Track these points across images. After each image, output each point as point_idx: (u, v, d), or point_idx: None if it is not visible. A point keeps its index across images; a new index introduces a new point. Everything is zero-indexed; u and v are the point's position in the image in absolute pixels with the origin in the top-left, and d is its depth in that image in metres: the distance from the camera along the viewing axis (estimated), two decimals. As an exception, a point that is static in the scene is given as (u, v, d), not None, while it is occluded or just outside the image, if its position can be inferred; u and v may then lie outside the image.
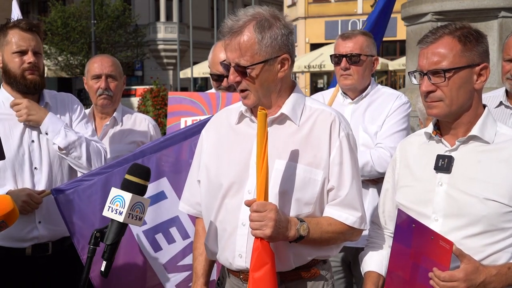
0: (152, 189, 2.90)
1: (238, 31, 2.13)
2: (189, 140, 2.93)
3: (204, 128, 2.45)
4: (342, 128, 2.22)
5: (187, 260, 2.90)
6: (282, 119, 2.24)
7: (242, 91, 2.20)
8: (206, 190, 2.33)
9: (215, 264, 2.51)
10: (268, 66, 2.15)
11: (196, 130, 2.93)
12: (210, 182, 2.30)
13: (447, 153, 2.13)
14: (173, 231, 2.93)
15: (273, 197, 2.14)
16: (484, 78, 2.08)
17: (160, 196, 2.93)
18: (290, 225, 2.10)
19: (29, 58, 2.92)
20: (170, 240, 2.93)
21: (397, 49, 32.15)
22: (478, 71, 2.07)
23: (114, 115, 3.72)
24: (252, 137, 2.16)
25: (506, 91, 3.35)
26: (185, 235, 2.93)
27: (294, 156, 2.18)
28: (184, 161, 2.93)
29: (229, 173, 2.24)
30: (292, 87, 2.29)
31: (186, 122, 3.29)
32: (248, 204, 2.08)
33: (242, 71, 2.15)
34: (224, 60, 2.22)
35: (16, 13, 4.83)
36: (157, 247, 2.93)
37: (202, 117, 3.13)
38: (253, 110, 2.27)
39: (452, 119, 2.13)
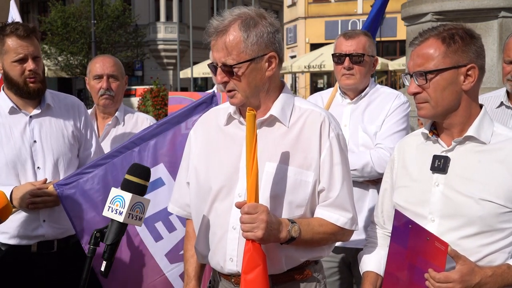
0: None
1: (223, 31, 2.12)
2: (184, 123, 2.93)
3: (192, 128, 2.43)
4: (332, 129, 2.20)
5: None
6: (271, 121, 2.22)
7: (229, 91, 2.18)
8: (196, 193, 2.31)
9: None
10: (254, 65, 2.13)
11: (188, 113, 2.93)
12: (199, 185, 2.28)
13: (443, 154, 2.13)
14: (173, 218, 2.89)
15: (265, 200, 2.12)
16: (472, 79, 2.06)
17: (157, 183, 2.90)
18: (282, 226, 2.08)
19: (29, 66, 2.93)
20: (171, 228, 2.91)
21: (397, 49, 32.19)
22: (464, 72, 2.05)
23: (116, 115, 3.74)
24: (242, 139, 2.13)
25: (507, 91, 3.35)
26: (185, 223, 2.91)
27: (284, 158, 2.16)
28: (178, 145, 2.90)
29: (218, 176, 2.22)
30: (280, 87, 2.27)
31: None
32: (239, 206, 2.06)
33: (229, 70, 2.13)
34: (212, 62, 2.20)
35: (14, 14, 4.83)
36: (158, 237, 2.91)
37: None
38: (242, 112, 2.25)
39: (441, 120, 2.13)
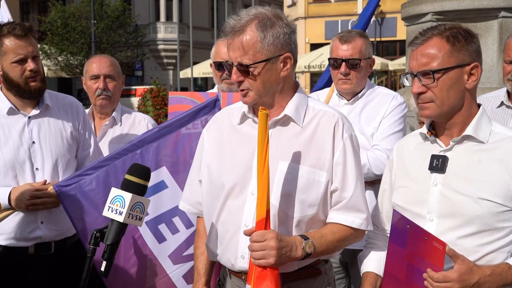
0: (151, 179, 2.90)
1: (240, 30, 2.13)
2: (185, 127, 2.93)
3: (205, 127, 2.45)
4: (346, 130, 2.22)
5: (192, 250, 2.87)
6: (285, 121, 2.24)
7: (242, 89, 2.20)
8: (208, 190, 2.33)
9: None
10: (270, 65, 2.15)
11: (191, 116, 2.94)
12: (212, 182, 2.30)
13: (441, 153, 2.13)
14: (176, 220, 2.90)
15: (277, 199, 2.14)
16: (475, 78, 2.07)
17: (160, 186, 2.91)
18: (296, 245, 2.09)
19: (29, 66, 2.92)
20: (174, 230, 2.91)
21: (397, 49, 32.20)
22: (468, 70, 2.06)
23: (113, 115, 3.72)
24: (255, 137, 2.14)
25: (507, 91, 3.35)
26: (188, 224, 2.90)
27: (297, 158, 2.18)
28: (180, 148, 2.92)
29: (231, 174, 2.23)
30: (295, 87, 2.29)
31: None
32: (247, 234, 2.07)
33: (244, 70, 2.15)
34: (227, 61, 2.22)
35: (5, 15, 4.78)
36: (161, 238, 2.92)
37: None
38: (255, 111, 2.26)
39: (445, 120, 2.13)
